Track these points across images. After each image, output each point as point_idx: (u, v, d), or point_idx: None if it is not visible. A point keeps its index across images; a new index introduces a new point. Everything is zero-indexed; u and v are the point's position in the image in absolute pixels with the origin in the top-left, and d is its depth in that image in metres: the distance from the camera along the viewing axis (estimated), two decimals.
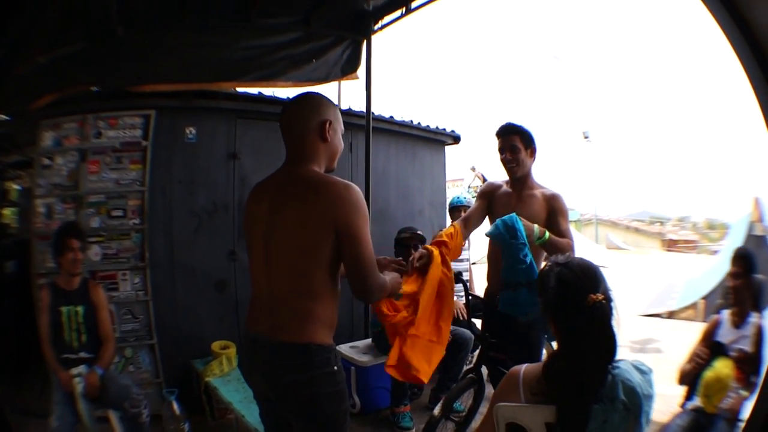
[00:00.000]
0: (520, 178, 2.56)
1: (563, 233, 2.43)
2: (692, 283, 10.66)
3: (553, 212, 2.50)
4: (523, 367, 1.44)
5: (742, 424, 2.28)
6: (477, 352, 2.92)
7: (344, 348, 3.71)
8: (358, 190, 1.58)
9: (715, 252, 17.27)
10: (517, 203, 2.53)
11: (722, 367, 2.43)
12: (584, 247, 18.77)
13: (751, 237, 7.86)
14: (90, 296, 2.86)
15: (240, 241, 3.72)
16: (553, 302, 1.39)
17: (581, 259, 1.45)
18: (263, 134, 3.87)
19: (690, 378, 2.58)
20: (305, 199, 1.57)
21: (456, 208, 4.21)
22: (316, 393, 1.57)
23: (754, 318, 2.58)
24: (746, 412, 2.32)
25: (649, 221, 36.61)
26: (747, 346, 2.50)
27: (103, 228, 3.44)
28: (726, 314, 2.72)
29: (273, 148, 3.69)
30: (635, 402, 1.28)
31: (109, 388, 2.70)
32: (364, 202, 1.59)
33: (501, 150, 2.55)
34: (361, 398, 3.65)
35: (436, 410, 2.58)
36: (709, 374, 2.44)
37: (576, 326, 1.33)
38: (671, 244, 28.75)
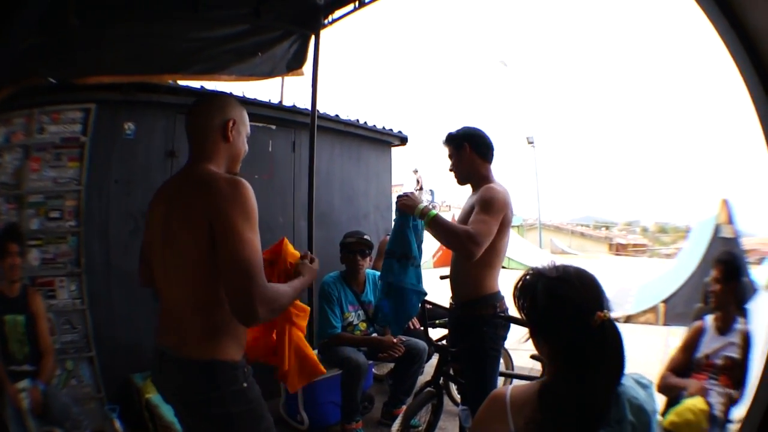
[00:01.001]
0: (469, 181, 2.58)
1: (470, 222, 2.31)
2: (648, 287, 10.73)
3: (477, 203, 2.38)
4: (509, 390, 1.28)
5: (734, 426, 2.31)
6: (436, 362, 2.87)
7: None
8: (243, 185, 1.45)
9: (668, 255, 17.76)
10: (466, 206, 2.55)
11: (691, 408, 2.29)
12: (528, 251, 19.28)
13: (717, 239, 8.00)
14: (29, 305, 2.72)
15: None
16: (546, 322, 1.24)
17: (575, 268, 1.27)
18: None
19: (672, 393, 2.51)
20: (188, 199, 1.48)
21: None
22: (228, 413, 1.48)
23: (740, 324, 2.55)
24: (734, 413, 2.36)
25: (594, 226, 38.12)
26: (734, 353, 2.47)
27: (42, 230, 3.22)
28: (710, 320, 2.67)
29: None
30: (644, 421, 1.18)
31: (51, 405, 2.56)
32: (250, 198, 1.45)
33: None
34: (309, 414, 3.52)
35: (395, 429, 2.56)
36: (680, 418, 2.29)
37: (581, 349, 1.18)
38: (619, 248, 29.88)
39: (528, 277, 1.30)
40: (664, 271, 12.21)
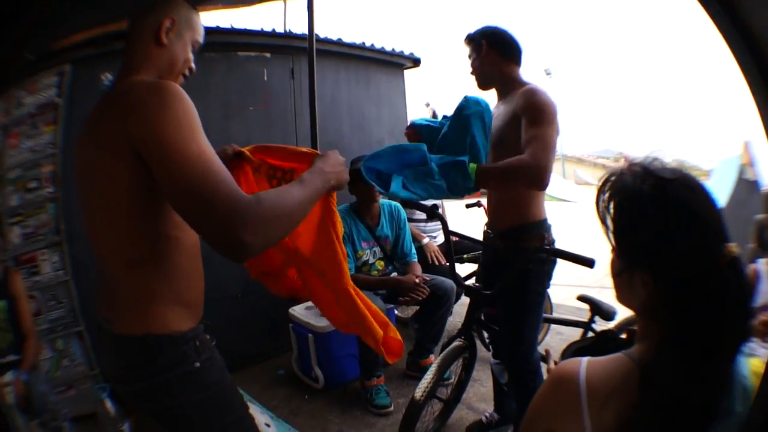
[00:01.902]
0: (491, 85, 2.23)
1: (527, 140, 1.85)
2: None
3: (519, 115, 1.94)
4: (582, 368, 0.84)
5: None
6: (467, 307, 2.45)
7: (298, 310, 3.28)
8: (169, 87, 1.03)
9: None
10: (497, 116, 2.11)
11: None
12: (553, 183, 18.91)
13: (742, 180, 7.54)
14: (9, 287, 2.53)
15: None
16: (657, 246, 0.81)
17: (689, 173, 0.85)
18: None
19: None
20: (102, 123, 1.09)
21: None
22: (177, 404, 1.14)
23: None
24: None
25: (614, 158, 37.42)
26: None
27: (21, 205, 2.99)
28: (764, 264, 2.35)
29: (204, 87, 3.34)
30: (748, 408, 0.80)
31: (32, 396, 2.34)
32: (182, 101, 1.02)
33: None
34: (324, 371, 3.17)
35: (418, 393, 2.14)
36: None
37: (705, 297, 0.78)
38: None
39: (624, 175, 0.86)
40: None
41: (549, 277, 2.19)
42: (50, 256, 3.01)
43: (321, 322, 3.06)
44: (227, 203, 0.94)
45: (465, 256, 3.77)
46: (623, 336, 1.01)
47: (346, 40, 4.32)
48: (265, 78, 3.74)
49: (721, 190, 8.24)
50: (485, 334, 3.24)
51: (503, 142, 2.04)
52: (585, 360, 0.86)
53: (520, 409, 2.34)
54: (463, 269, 3.65)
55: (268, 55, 3.77)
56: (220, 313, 3.09)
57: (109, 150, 1.04)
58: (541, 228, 2.13)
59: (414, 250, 3.42)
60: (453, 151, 1.84)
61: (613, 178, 0.88)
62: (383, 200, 3.34)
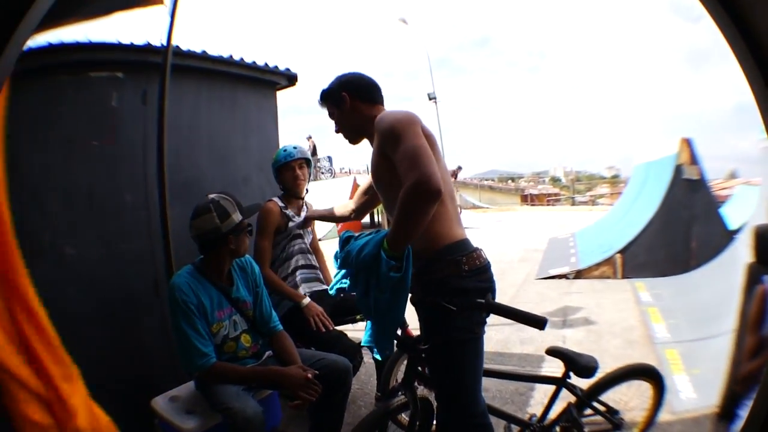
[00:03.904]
0: (363, 135, 2.20)
1: (398, 168, 1.78)
2: (587, 237, 10.44)
3: (382, 150, 1.90)
4: None
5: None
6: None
7: (161, 404, 2.65)
8: None
9: (587, 203, 18.04)
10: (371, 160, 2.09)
11: None
12: None
13: (681, 181, 7.72)
14: None
15: None
16: None
17: None
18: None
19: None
20: None
21: (287, 165, 3.38)
22: None
23: None
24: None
25: (500, 179, 39.39)
26: None
27: None
28: None
29: (49, 119, 2.89)
30: None
31: None
32: None
33: None
34: None
35: None
36: None
37: None
38: (533, 199, 31.13)
39: None
40: (602, 219, 12.12)
41: (483, 321, 1.99)
42: None
43: (188, 423, 2.47)
44: None
45: (358, 317, 3.34)
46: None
47: (212, 53, 3.87)
48: (113, 103, 3.22)
49: (649, 195, 8.56)
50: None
51: (381, 181, 2.03)
52: None
53: None
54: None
55: (120, 74, 3.26)
56: None
57: None
58: (454, 252, 1.92)
59: (275, 316, 2.84)
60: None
61: None
62: None
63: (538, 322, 1.72)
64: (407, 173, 1.70)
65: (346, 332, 3.16)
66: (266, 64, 4.36)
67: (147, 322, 3.25)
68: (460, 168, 22.33)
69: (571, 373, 2.45)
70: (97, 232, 3.01)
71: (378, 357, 2.24)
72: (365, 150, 2.31)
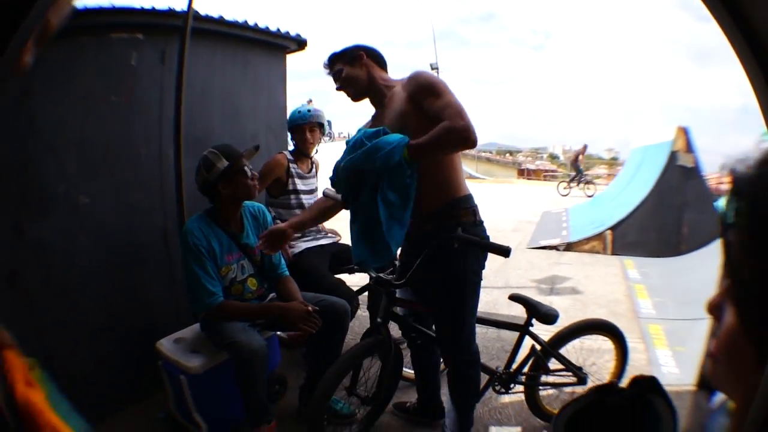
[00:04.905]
0: (368, 93, 2.42)
1: (437, 112, 2.03)
2: (581, 213, 10.61)
3: (415, 98, 2.14)
4: None
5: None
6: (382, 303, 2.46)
7: (166, 345, 2.85)
8: None
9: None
10: (383, 118, 2.28)
11: None
12: None
13: (675, 167, 7.91)
14: None
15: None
16: None
17: None
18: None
19: None
20: None
21: (299, 128, 3.67)
22: None
23: None
24: None
25: (498, 152, 39.12)
26: None
27: None
28: None
29: (69, 76, 2.97)
30: None
31: None
32: None
33: (335, 84, 2.46)
34: (205, 416, 2.69)
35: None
36: None
37: None
38: (530, 174, 30.92)
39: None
40: (596, 197, 12.55)
41: (485, 257, 2.28)
42: None
43: (193, 361, 2.65)
44: None
45: (355, 266, 3.42)
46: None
47: (227, 15, 4.03)
48: (133, 62, 3.38)
49: (643, 178, 8.70)
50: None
51: (407, 126, 2.14)
52: None
53: (458, 400, 2.44)
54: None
55: (140, 36, 3.42)
56: (80, 349, 2.88)
57: None
58: (470, 202, 2.25)
59: (284, 263, 3.04)
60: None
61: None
62: (245, 202, 2.93)
63: (503, 251, 1.99)
64: (454, 118, 1.96)
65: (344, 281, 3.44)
66: (278, 29, 4.54)
67: (155, 270, 3.43)
68: None
69: (534, 321, 2.61)
70: (110, 183, 3.12)
71: (372, 273, 2.54)
72: (362, 114, 2.56)
